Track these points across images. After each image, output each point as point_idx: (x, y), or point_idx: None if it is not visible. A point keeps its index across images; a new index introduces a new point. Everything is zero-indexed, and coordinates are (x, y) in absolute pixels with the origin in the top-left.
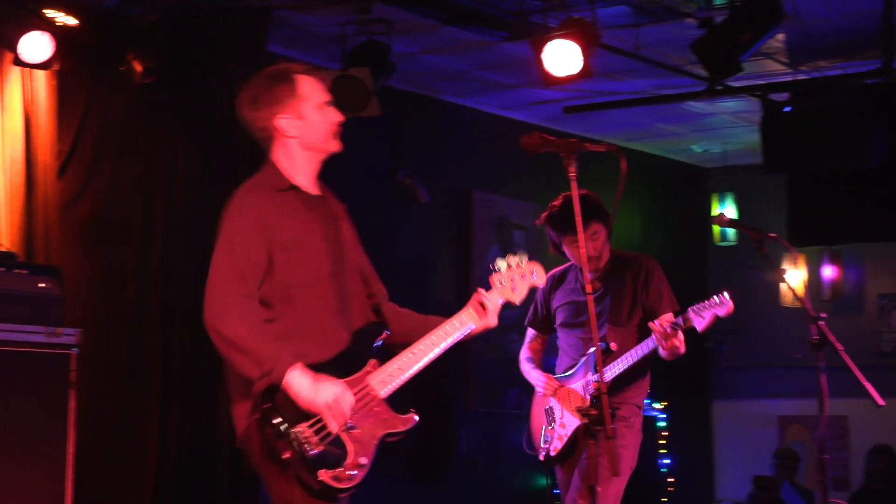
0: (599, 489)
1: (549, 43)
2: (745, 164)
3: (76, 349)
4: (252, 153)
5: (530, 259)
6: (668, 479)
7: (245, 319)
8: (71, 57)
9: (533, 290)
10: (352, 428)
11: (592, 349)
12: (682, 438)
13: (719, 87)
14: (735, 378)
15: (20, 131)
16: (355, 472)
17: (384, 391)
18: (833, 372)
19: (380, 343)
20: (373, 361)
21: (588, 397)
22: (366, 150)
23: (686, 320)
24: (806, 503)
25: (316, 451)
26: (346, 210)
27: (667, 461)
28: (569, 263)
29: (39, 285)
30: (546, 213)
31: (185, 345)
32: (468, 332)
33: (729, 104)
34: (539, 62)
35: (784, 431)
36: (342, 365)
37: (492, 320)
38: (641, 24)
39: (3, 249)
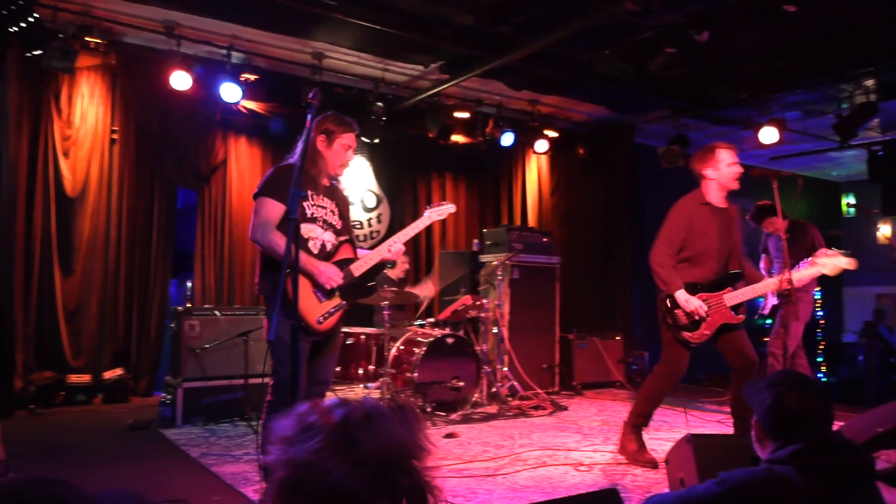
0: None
1: (762, 128)
2: (859, 179)
3: (558, 265)
4: (620, 195)
5: None
6: (821, 322)
7: (666, 266)
8: (553, 147)
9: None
10: (707, 316)
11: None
12: (828, 304)
13: (845, 145)
14: (855, 275)
15: (535, 178)
16: (700, 337)
17: (730, 303)
18: None
19: (735, 285)
20: (728, 288)
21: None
22: (679, 179)
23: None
24: (891, 334)
25: (681, 323)
26: (740, 213)
27: (820, 313)
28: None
29: (543, 239)
30: (753, 207)
31: (614, 275)
32: (767, 290)
33: (849, 152)
34: (757, 138)
35: (879, 301)
36: (711, 287)
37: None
38: (807, 118)
39: (531, 226)
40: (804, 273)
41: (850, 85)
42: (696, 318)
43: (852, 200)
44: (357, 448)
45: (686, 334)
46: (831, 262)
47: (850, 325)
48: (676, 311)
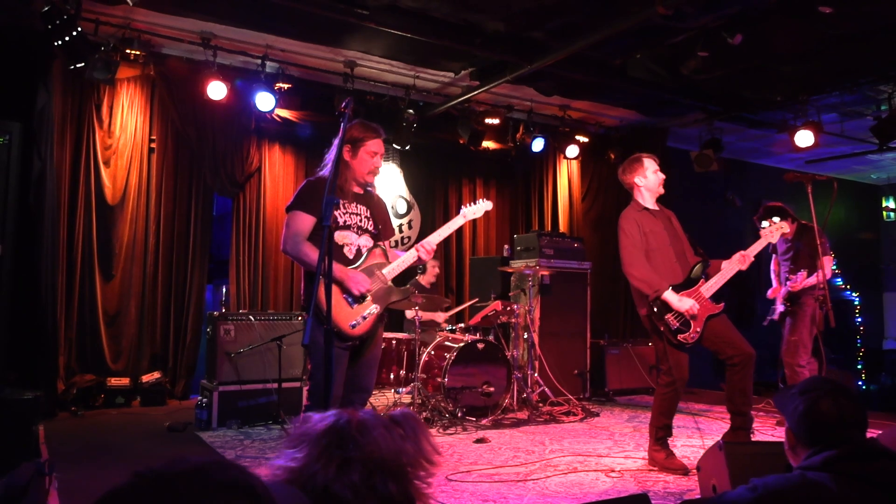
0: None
1: (798, 132)
2: None
3: (589, 270)
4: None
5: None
6: (860, 328)
7: (644, 267)
8: (584, 152)
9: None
10: (693, 317)
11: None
12: (868, 310)
13: (884, 148)
14: (894, 280)
15: (566, 183)
16: (695, 335)
17: (708, 294)
18: None
19: (705, 273)
20: (702, 281)
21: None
22: (713, 183)
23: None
24: None
25: (674, 327)
26: (674, 214)
27: (859, 320)
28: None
29: (574, 245)
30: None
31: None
32: (735, 269)
33: (889, 155)
34: (793, 141)
35: None
36: (687, 284)
37: (746, 265)
38: (844, 120)
39: (561, 231)
40: (755, 247)
41: (889, 86)
42: (688, 317)
43: (892, 204)
44: (344, 451)
45: (682, 336)
46: (775, 228)
47: (891, 332)
48: (667, 317)
